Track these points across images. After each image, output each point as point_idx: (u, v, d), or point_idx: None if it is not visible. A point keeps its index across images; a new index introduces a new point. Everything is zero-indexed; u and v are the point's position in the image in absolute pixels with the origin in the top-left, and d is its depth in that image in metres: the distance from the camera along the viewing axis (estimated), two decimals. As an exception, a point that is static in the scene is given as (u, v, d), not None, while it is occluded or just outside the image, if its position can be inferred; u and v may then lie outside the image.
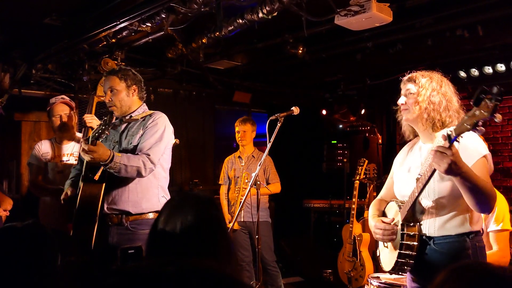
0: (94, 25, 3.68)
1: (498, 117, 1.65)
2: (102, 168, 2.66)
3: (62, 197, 2.89)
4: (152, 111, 2.96)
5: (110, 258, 1.60)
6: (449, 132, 1.76)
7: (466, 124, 1.69)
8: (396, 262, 2.06)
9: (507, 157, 5.80)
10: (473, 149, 1.98)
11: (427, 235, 2.04)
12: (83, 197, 2.72)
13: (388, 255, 2.20)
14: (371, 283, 3.00)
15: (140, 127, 2.84)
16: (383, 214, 2.29)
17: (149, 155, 2.71)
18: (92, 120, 3.29)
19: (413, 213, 2.07)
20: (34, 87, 4.88)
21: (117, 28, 3.60)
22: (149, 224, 2.65)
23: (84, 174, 2.77)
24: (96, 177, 2.67)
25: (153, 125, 2.81)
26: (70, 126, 3.61)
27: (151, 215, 2.77)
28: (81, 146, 2.69)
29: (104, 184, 2.70)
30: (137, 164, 2.66)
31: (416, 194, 2.00)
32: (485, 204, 1.89)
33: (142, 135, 2.80)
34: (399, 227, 2.07)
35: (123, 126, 2.92)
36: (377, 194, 4.97)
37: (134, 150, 2.78)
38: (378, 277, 3.03)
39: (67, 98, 3.72)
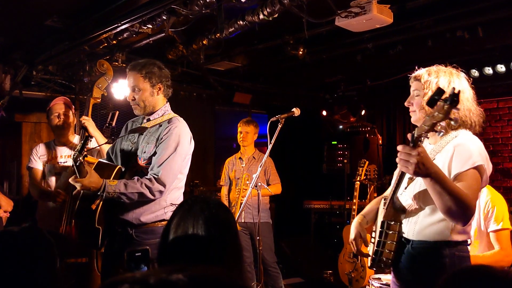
0: (95, 27, 3.68)
1: (455, 121, 1.60)
2: (99, 199, 2.52)
3: (74, 193, 2.83)
4: (171, 115, 2.78)
5: (117, 264, 1.58)
6: (413, 132, 1.68)
7: (425, 125, 1.62)
8: (373, 259, 2.02)
9: (507, 158, 5.81)
10: (467, 157, 1.86)
11: (406, 237, 1.98)
12: (80, 207, 2.64)
13: (372, 251, 2.16)
14: (372, 284, 3.00)
15: (156, 135, 2.69)
16: (377, 211, 2.24)
17: (158, 175, 2.55)
18: (88, 121, 3.27)
19: (394, 212, 2.01)
20: (35, 88, 4.88)
21: (118, 30, 3.60)
22: (154, 233, 2.57)
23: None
24: (93, 206, 2.52)
25: (167, 137, 2.63)
26: (67, 125, 3.61)
27: (157, 224, 2.63)
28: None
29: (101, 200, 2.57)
30: (138, 190, 2.51)
31: (392, 191, 1.95)
32: (456, 213, 1.76)
33: (156, 147, 2.64)
34: (379, 224, 2.02)
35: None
36: (378, 195, 4.99)
37: (149, 161, 2.65)
38: (379, 278, 3.02)
39: (67, 99, 3.74)
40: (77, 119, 3.82)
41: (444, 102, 1.56)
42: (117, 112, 3.33)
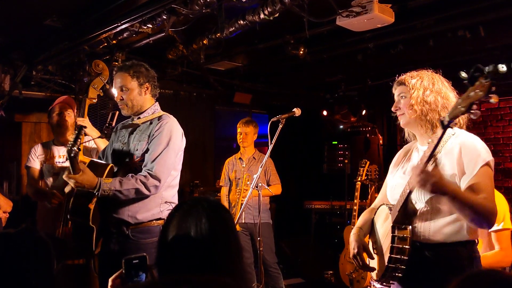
0: (95, 27, 3.67)
1: (494, 98, 1.56)
2: (95, 198, 2.52)
3: (67, 191, 2.82)
4: (161, 113, 2.81)
5: (113, 265, 1.56)
6: (442, 118, 1.67)
7: (461, 106, 1.60)
8: (387, 267, 1.89)
9: (508, 158, 5.79)
10: (476, 155, 1.86)
11: (421, 240, 1.91)
12: (75, 205, 2.62)
13: (376, 263, 2.09)
14: (373, 285, 2.98)
15: (147, 132, 2.70)
16: (372, 222, 2.20)
17: (152, 171, 2.55)
18: (84, 122, 3.23)
19: (405, 215, 1.95)
20: (35, 88, 4.87)
21: (118, 30, 3.59)
22: (151, 232, 2.58)
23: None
24: (91, 206, 2.51)
25: (159, 133, 2.64)
26: (68, 124, 3.60)
27: (153, 222, 2.63)
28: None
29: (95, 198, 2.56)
30: (133, 186, 2.51)
31: (407, 192, 1.89)
32: (479, 221, 1.79)
33: (148, 144, 2.65)
34: (390, 229, 1.93)
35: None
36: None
37: (142, 159, 2.65)
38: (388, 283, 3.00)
39: (70, 99, 3.73)
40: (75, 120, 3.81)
41: (485, 79, 1.53)
42: (117, 112, 3.30)
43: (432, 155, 1.72)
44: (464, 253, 1.89)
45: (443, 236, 1.89)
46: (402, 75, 2.10)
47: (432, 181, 1.70)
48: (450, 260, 1.88)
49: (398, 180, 2.11)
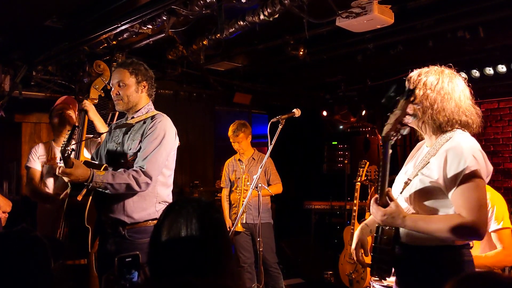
0: (95, 27, 3.68)
1: (414, 116, 1.72)
2: (85, 189, 2.52)
3: (61, 196, 2.83)
4: (155, 112, 2.82)
5: (110, 266, 1.57)
6: (382, 134, 1.72)
7: (388, 123, 1.69)
8: (371, 266, 1.94)
9: (507, 158, 5.80)
10: (462, 163, 1.76)
11: (405, 242, 1.89)
12: (70, 205, 2.62)
13: None
14: (373, 285, 2.99)
15: (140, 131, 2.71)
16: None
17: (144, 168, 2.55)
18: (90, 105, 3.11)
19: None
20: (35, 88, 4.87)
21: (118, 30, 3.59)
22: (147, 232, 2.55)
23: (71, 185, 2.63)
24: (79, 197, 2.51)
25: (152, 131, 2.65)
26: (68, 124, 3.60)
27: (149, 222, 2.63)
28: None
29: (90, 197, 2.58)
30: (125, 181, 2.51)
31: (379, 194, 1.86)
32: (462, 239, 1.78)
33: (141, 142, 2.66)
34: (375, 229, 1.97)
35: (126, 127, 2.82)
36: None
37: (134, 158, 2.66)
38: (380, 280, 3.01)
39: (73, 99, 3.73)
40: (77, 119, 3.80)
41: (401, 98, 1.67)
42: (117, 113, 3.31)
43: (384, 180, 1.79)
44: (447, 257, 1.83)
45: (425, 240, 1.84)
46: (414, 71, 2.00)
47: (380, 218, 1.82)
48: (432, 263, 1.85)
49: (398, 178, 2.09)
